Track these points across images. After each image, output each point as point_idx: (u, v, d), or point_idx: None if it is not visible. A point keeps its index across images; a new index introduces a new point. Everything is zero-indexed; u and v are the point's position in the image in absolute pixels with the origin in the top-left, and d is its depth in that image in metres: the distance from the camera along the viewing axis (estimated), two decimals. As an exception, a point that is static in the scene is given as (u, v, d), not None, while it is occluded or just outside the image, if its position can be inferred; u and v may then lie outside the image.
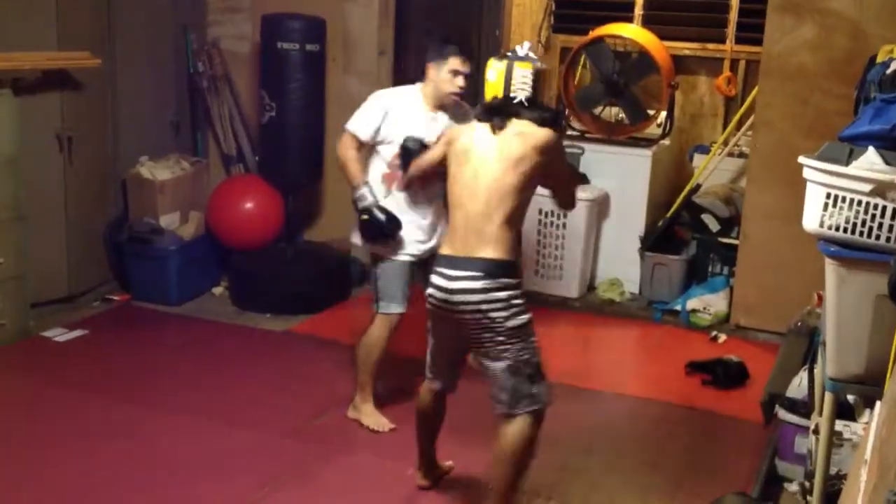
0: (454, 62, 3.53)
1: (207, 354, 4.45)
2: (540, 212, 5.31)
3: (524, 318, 2.80)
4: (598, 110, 5.53)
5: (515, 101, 2.95)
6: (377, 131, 3.55)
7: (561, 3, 5.81)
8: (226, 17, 5.75)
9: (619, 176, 5.37)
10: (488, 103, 3.00)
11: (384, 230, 3.50)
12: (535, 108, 2.94)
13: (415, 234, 3.61)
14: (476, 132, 2.95)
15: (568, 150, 5.41)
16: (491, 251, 2.78)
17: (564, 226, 5.27)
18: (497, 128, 2.89)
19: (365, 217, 3.52)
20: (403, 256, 3.60)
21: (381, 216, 3.49)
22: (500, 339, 2.78)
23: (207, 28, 5.74)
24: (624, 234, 5.38)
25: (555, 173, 3.02)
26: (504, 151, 2.85)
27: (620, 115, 5.51)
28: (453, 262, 2.81)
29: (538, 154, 2.84)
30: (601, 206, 5.38)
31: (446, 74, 3.54)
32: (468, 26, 6.31)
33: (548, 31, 5.81)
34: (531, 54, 3.04)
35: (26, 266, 4.41)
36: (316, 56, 5.16)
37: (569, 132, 5.55)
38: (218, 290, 5.30)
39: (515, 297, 2.78)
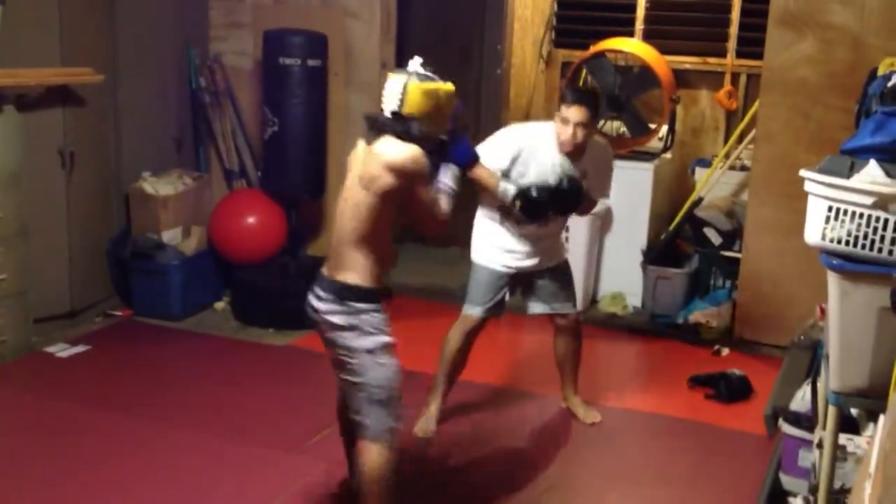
0: (565, 110, 3.47)
1: (210, 369, 4.45)
2: (542, 226, 5.30)
3: (377, 341, 2.76)
4: (599, 124, 5.54)
5: (383, 115, 2.77)
6: (507, 170, 3.52)
7: (562, 17, 5.83)
8: (228, 32, 5.77)
9: (621, 190, 5.31)
10: (366, 117, 2.85)
11: (545, 207, 3.46)
12: (400, 123, 2.73)
13: (512, 245, 3.63)
14: (356, 149, 2.86)
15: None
16: (344, 275, 2.77)
17: (566, 239, 5.25)
18: (368, 143, 2.78)
19: (521, 201, 3.44)
20: (496, 265, 3.64)
21: (537, 193, 3.43)
22: (353, 360, 2.77)
23: (210, 44, 5.76)
24: (626, 248, 5.37)
25: (411, 197, 2.77)
26: (362, 170, 2.75)
27: (622, 129, 5.52)
28: (321, 281, 2.86)
29: (389, 174, 2.67)
30: (603, 220, 5.38)
31: (559, 121, 3.51)
32: (470, 41, 6.33)
33: (549, 46, 5.83)
34: (420, 70, 2.79)
35: (29, 281, 4.42)
36: (318, 71, 5.18)
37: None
38: (220, 305, 5.30)
39: (367, 321, 2.75)
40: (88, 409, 3.88)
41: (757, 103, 4.82)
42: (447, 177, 2.98)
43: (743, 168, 5.43)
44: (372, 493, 2.82)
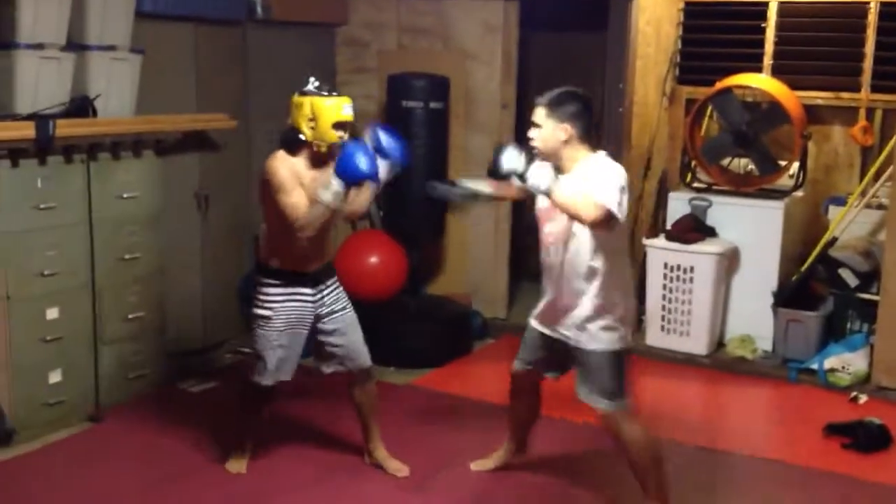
0: None
1: (331, 406, 4.51)
2: (665, 265, 5.21)
3: (255, 310, 3.51)
4: (725, 162, 5.41)
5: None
6: None
7: (686, 54, 5.74)
8: (354, 77, 5.95)
9: (750, 229, 5.22)
10: None
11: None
12: (286, 134, 3.43)
13: (542, 307, 3.39)
14: None
15: (694, 202, 5.33)
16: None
17: (692, 279, 5.15)
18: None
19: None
20: (535, 323, 3.45)
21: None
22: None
23: (337, 88, 5.94)
24: (755, 289, 5.20)
25: (271, 201, 3.36)
26: None
27: (749, 167, 5.37)
28: None
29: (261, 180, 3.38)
30: (730, 260, 5.24)
31: None
32: (591, 80, 6.31)
33: (672, 83, 5.74)
34: (309, 86, 3.42)
35: (165, 318, 4.61)
36: (439, 113, 5.26)
37: (695, 184, 5.46)
38: (343, 343, 5.39)
39: (258, 292, 3.51)
40: (216, 444, 4.00)
41: (895, 139, 4.61)
42: (323, 187, 3.25)
43: (880, 206, 5.19)
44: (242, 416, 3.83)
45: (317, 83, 3.45)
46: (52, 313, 4.01)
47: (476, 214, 5.74)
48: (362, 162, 3.21)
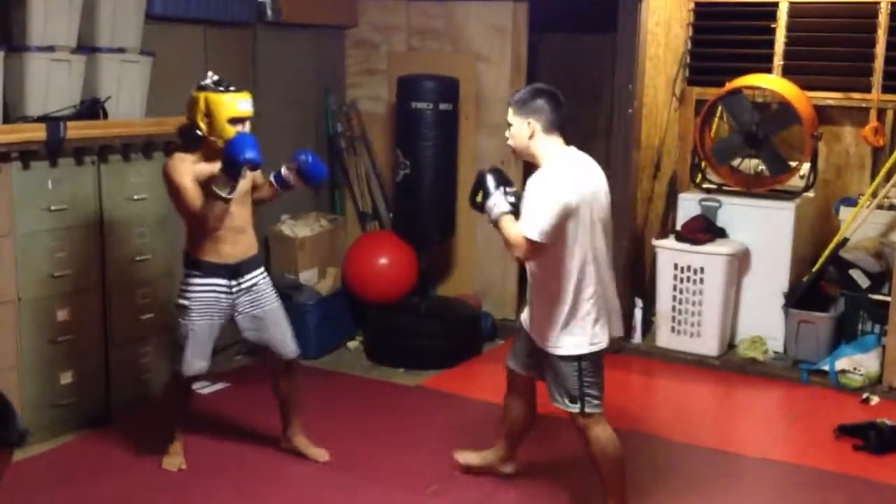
0: None
1: (341, 407, 4.52)
2: (675, 266, 5.19)
3: (177, 300, 3.62)
4: (736, 162, 5.39)
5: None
6: None
7: (696, 55, 5.73)
8: (363, 79, 5.96)
9: (760, 230, 5.20)
10: None
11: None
12: (184, 131, 3.50)
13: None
14: None
15: (704, 203, 5.31)
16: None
17: (702, 280, 5.13)
18: None
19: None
20: (523, 322, 3.48)
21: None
22: None
23: (346, 90, 5.95)
24: (766, 290, 5.18)
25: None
26: None
27: (760, 168, 5.35)
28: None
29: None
30: (741, 261, 5.22)
31: None
32: (600, 81, 6.30)
33: (682, 84, 5.73)
34: (207, 81, 3.46)
35: (173, 319, 4.60)
36: (449, 114, 5.26)
37: (706, 185, 5.44)
38: (353, 344, 5.40)
39: (181, 283, 3.63)
40: (228, 445, 4.00)
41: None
42: (215, 183, 3.34)
43: (891, 207, 5.16)
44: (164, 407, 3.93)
45: (215, 78, 3.48)
46: (63, 314, 4.02)
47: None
48: (243, 150, 3.31)
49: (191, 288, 3.58)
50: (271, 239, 5.35)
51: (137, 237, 4.35)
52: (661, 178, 5.68)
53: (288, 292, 5.15)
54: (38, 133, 3.78)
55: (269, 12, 5.20)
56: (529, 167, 3.28)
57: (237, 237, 3.59)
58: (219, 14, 4.86)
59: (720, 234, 5.25)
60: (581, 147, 3.27)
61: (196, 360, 3.65)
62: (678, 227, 5.35)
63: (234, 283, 3.60)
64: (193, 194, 3.41)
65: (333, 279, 5.39)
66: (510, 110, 3.21)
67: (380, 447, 4.04)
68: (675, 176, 5.75)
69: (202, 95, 3.42)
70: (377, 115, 5.89)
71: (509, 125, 3.21)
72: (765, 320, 5.19)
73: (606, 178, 3.26)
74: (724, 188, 5.41)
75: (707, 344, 5.18)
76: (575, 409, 3.20)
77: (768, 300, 5.18)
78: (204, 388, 4.64)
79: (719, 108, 5.41)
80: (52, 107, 3.92)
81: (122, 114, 4.27)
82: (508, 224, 3.09)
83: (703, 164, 5.46)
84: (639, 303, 5.37)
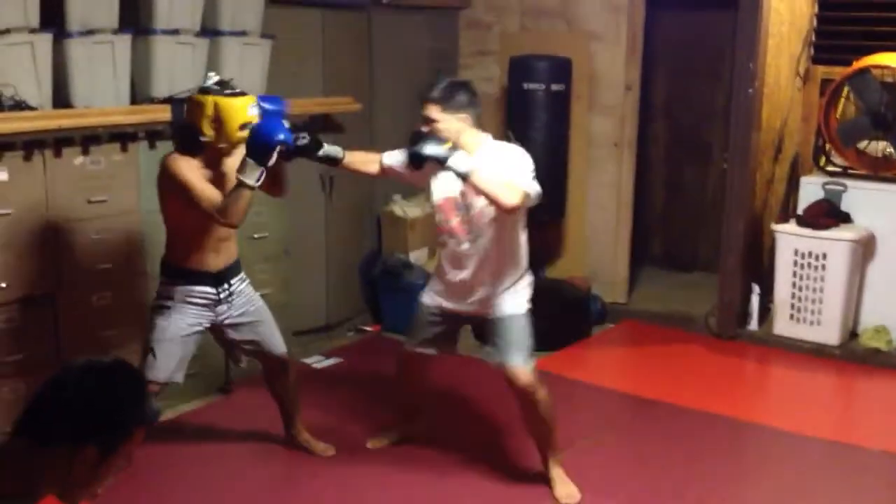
0: None
1: (449, 385, 4.57)
2: (796, 252, 5.03)
3: (155, 302, 3.40)
4: (862, 145, 5.17)
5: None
6: None
7: (822, 32, 5.49)
8: (476, 60, 5.96)
9: (887, 215, 4.98)
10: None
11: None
12: (182, 132, 3.27)
13: (447, 286, 3.56)
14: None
15: (828, 186, 5.11)
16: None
17: (824, 267, 4.95)
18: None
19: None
20: (437, 300, 3.65)
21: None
22: None
23: (459, 71, 5.97)
24: (892, 278, 4.97)
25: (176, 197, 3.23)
26: None
27: (888, 150, 5.11)
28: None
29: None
30: (866, 247, 5.00)
31: None
32: (719, 60, 6.13)
33: (807, 63, 5.51)
34: (209, 83, 3.20)
35: (291, 296, 4.75)
36: (561, 95, 5.21)
37: (830, 168, 5.23)
38: (462, 324, 5.43)
39: (159, 288, 3.41)
40: (342, 420, 4.10)
41: None
42: (241, 173, 3.09)
43: None
44: None
45: (217, 79, 3.23)
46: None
47: (597, 196, 5.67)
48: (276, 131, 3.10)
49: (171, 294, 3.35)
50: (383, 219, 5.43)
51: (255, 215, 4.44)
52: (783, 161, 5.48)
53: (398, 271, 5.24)
54: (164, 114, 3.93)
55: (384, -5, 5.25)
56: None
57: (220, 245, 3.39)
58: (336, -3, 4.94)
59: (844, 219, 5.05)
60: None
61: (167, 368, 3.38)
62: (800, 212, 5.17)
63: (219, 290, 3.41)
64: (210, 190, 3.17)
65: (443, 259, 5.43)
66: (434, 108, 3.28)
67: (485, 431, 4.08)
68: (797, 158, 5.55)
69: (209, 99, 3.14)
70: (489, 97, 5.88)
71: (432, 120, 3.28)
72: (890, 309, 4.98)
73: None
74: (850, 171, 5.19)
75: (827, 332, 5.00)
76: (527, 362, 3.39)
77: (894, 288, 4.96)
78: (319, 363, 4.77)
79: (846, 89, 5.19)
80: (176, 89, 4.05)
81: (243, 96, 4.38)
82: (490, 176, 3.10)
83: (827, 146, 5.25)
84: (756, 289, 5.23)
